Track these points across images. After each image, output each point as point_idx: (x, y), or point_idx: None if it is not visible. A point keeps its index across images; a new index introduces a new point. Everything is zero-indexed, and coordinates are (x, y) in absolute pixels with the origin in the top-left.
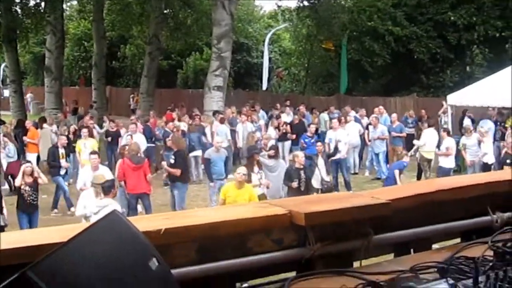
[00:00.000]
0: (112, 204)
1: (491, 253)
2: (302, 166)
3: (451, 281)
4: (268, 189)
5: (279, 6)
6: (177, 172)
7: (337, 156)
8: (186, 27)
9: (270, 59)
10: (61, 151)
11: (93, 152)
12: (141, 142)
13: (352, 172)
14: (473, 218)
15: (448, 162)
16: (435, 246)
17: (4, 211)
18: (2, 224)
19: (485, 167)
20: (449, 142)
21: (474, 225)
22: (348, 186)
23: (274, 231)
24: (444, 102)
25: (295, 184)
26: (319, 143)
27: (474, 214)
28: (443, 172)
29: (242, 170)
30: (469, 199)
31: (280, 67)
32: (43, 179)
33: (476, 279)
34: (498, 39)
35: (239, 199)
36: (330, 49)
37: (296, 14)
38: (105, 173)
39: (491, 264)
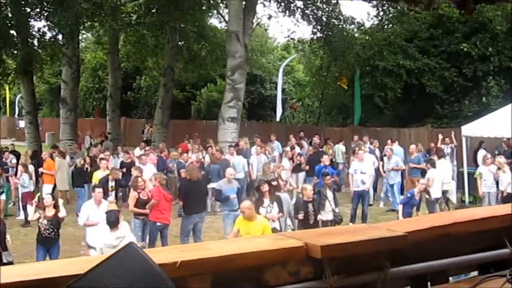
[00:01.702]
0: (128, 236)
1: (509, 286)
2: (310, 199)
3: None
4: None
5: (292, 39)
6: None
7: (361, 188)
8: (200, 59)
9: (283, 90)
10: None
11: (97, 186)
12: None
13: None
14: (490, 251)
15: (432, 193)
16: (450, 279)
17: (9, 245)
18: (5, 261)
19: (507, 198)
20: (431, 173)
21: (492, 257)
22: (365, 218)
23: (290, 264)
24: (452, 133)
25: (300, 216)
26: (327, 177)
27: (491, 246)
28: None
29: (245, 204)
30: (486, 231)
31: (294, 98)
32: (62, 212)
33: None
34: None
35: (252, 231)
36: (345, 86)
37: (309, 45)
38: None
39: None
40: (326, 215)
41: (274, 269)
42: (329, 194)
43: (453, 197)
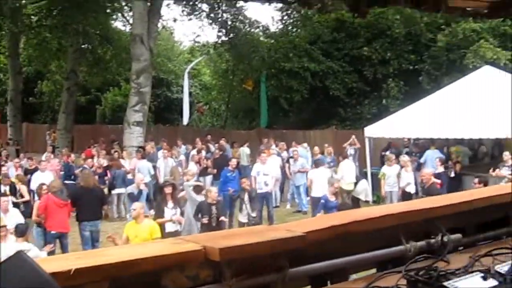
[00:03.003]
0: (33, 250)
1: (404, 282)
2: (214, 202)
3: None
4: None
5: (197, 42)
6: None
7: (264, 190)
8: (104, 62)
9: (190, 93)
10: None
11: (3, 194)
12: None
13: (274, 205)
14: (388, 248)
15: (314, 192)
16: (353, 276)
17: None
18: None
19: (407, 196)
20: (311, 174)
21: (389, 254)
22: (271, 220)
23: (189, 268)
24: (353, 136)
25: (205, 220)
26: (244, 179)
27: (389, 244)
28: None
29: (136, 206)
30: (383, 229)
31: (201, 102)
32: None
33: None
34: (411, 72)
35: (140, 234)
36: (250, 88)
37: (214, 49)
38: (16, 216)
39: None
40: (242, 217)
41: (172, 273)
42: (246, 197)
43: (363, 196)
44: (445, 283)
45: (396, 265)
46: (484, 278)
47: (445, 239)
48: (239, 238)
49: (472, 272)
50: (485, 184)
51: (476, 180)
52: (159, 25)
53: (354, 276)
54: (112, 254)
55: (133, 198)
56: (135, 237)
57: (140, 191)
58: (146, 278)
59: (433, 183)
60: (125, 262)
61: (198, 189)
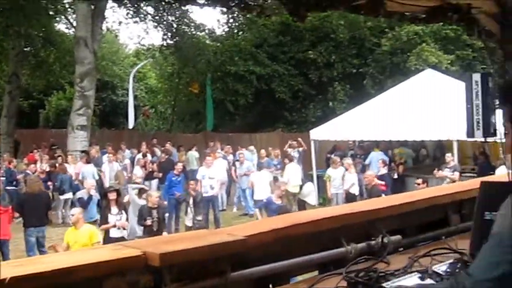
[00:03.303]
0: None
1: (345, 283)
2: (155, 206)
3: None
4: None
5: (142, 45)
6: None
7: (210, 193)
8: (48, 65)
9: (135, 97)
10: None
11: None
12: None
13: (220, 208)
14: (329, 250)
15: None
16: (298, 278)
17: None
18: None
19: (351, 197)
20: (253, 177)
21: (330, 257)
22: (217, 223)
23: (130, 274)
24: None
25: (147, 223)
26: (192, 182)
27: (330, 246)
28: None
29: (75, 211)
30: (325, 231)
31: (147, 105)
32: None
33: None
34: (356, 76)
35: (80, 240)
36: (196, 91)
37: (159, 52)
38: None
39: None
40: (188, 221)
41: (113, 280)
42: (191, 201)
43: (309, 198)
44: (384, 284)
45: (337, 267)
46: (422, 279)
47: (385, 240)
48: (179, 243)
49: (411, 272)
50: (427, 184)
51: (420, 180)
52: (104, 27)
53: (299, 278)
54: (50, 262)
55: (83, 203)
56: (74, 243)
57: (90, 196)
58: (86, 285)
59: (375, 184)
60: (63, 270)
61: (142, 193)
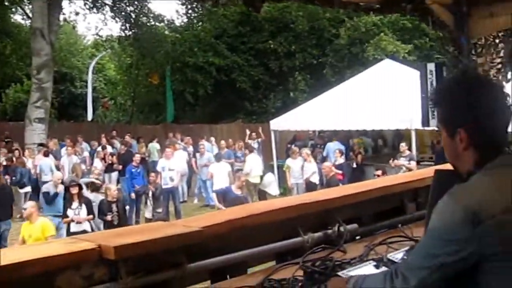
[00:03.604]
0: None
1: (302, 272)
2: (114, 200)
3: None
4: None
5: (100, 36)
6: None
7: (170, 185)
8: (4, 57)
9: (95, 88)
10: None
11: None
12: None
13: (181, 200)
14: (286, 240)
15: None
16: (256, 269)
17: None
18: None
19: (312, 187)
20: (212, 168)
21: (287, 246)
22: (178, 215)
23: (84, 267)
24: (259, 129)
25: (108, 218)
26: (152, 174)
27: (287, 236)
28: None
29: (28, 204)
30: (281, 221)
31: (106, 97)
32: None
33: None
34: (316, 66)
35: (34, 234)
36: (155, 83)
37: (118, 43)
38: None
39: (300, 284)
40: (147, 213)
41: (67, 273)
42: (150, 193)
43: (270, 189)
44: (340, 273)
45: (295, 257)
46: (377, 267)
47: (341, 229)
48: (135, 236)
49: (367, 260)
50: (386, 175)
51: (379, 171)
52: (61, 18)
53: (257, 268)
54: (4, 256)
55: (48, 198)
56: (29, 237)
57: (57, 190)
58: (39, 280)
59: (334, 175)
60: (15, 264)
61: (93, 187)
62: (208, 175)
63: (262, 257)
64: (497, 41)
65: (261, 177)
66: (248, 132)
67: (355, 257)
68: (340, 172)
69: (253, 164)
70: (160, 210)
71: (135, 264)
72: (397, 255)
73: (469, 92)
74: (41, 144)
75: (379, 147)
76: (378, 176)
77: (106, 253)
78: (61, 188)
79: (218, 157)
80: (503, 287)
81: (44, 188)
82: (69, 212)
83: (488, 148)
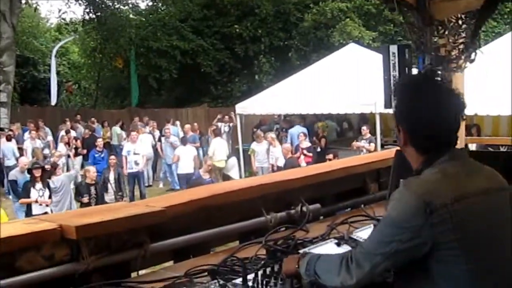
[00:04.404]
0: None
1: (264, 251)
2: (93, 182)
3: (221, 282)
4: (56, 207)
5: (63, 19)
6: None
7: (135, 169)
8: None
9: (58, 72)
10: None
11: None
12: None
13: (147, 184)
14: (250, 220)
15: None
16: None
17: None
18: None
19: (277, 171)
20: (178, 151)
21: (251, 226)
22: (143, 199)
23: (45, 247)
24: (232, 113)
25: (85, 200)
26: (111, 157)
27: (251, 216)
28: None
29: None
30: (244, 201)
31: (70, 81)
32: None
33: (244, 277)
34: (282, 49)
35: None
36: (120, 66)
37: (82, 26)
38: None
39: (262, 262)
40: (109, 197)
41: (28, 254)
42: (112, 176)
43: (232, 173)
44: (301, 251)
45: (258, 236)
46: (338, 245)
47: (304, 209)
48: (97, 216)
49: (328, 239)
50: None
51: (331, 155)
52: (23, 1)
53: (222, 248)
54: None
55: (16, 187)
56: None
57: (24, 175)
58: (0, 261)
59: (291, 157)
60: None
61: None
62: (174, 159)
63: (225, 237)
64: (460, 22)
65: (226, 161)
66: (219, 116)
67: (317, 236)
68: (310, 154)
69: (217, 147)
70: (122, 193)
71: (98, 244)
72: (358, 233)
73: (413, 96)
74: (1, 129)
75: (344, 130)
76: (330, 160)
77: (68, 233)
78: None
79: (183, 141)
80: (454, 275)
81: (11, 176)
82: (33, 194)
83: (432, 150)
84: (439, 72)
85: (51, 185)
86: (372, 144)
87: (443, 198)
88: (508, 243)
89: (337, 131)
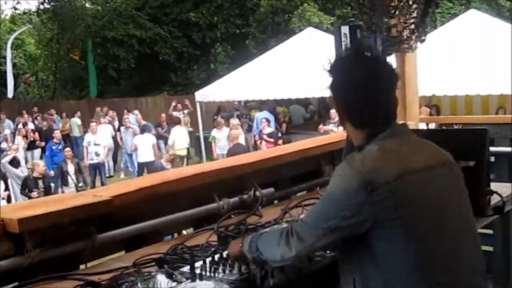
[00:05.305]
0: None
1: (216, 237)
2: (41, 176)
3: (170, 271)
4: None
5: (16, 9)
6: None
7: (96, 160)
8: None
9: (15, 65)
10: None
11: None
12: None
13: (108, 175)
14: (202, 206)
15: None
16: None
17: None
18: None
19: None
20: (136, 140)
21: (203, 213)
22: None
23: None
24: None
25: (34, 194)
26: (67, 149)
27: (203, 202)
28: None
29: None
30: (195, 188)
31: (27, 73)
32: None
33: (192, 265)
34: (239, 36)
35: None
36: (77, 58)
37: (37, 16)
38: None
39: (213, 248)
40: (70, 189)
41: None
42: (71, 168)
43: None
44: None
45: (211, 223)
46: None
47: (257, 194)
48: (41, 207)
49: (281, 223)
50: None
51: (281, 141)
52: None
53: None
54: None
55: None
56: None
57: None
58: None
59: (237, 143)
60: None
61: (16, 164)
62: (132, 147)
63: (178, 225)
64: (410, 2)
65: (188, 150)
66: (173, 104)
67: (270, 221)
68: (271, 140)
69: (177, 136)
70: (82, 185)
71: (43, 237)
72: None
73: (344, 71)
74: None
75: (312, 114)
76: (280, 145)
77: (10, 227)
78: None
79: (142, 129)
80: (398, 252)
81: None
82: None
83: (369, 125)
84: (371, 46)
85: None
86: (340, 127)
87: (385, 175)
88: (453, 220)
89: (302, 115)
